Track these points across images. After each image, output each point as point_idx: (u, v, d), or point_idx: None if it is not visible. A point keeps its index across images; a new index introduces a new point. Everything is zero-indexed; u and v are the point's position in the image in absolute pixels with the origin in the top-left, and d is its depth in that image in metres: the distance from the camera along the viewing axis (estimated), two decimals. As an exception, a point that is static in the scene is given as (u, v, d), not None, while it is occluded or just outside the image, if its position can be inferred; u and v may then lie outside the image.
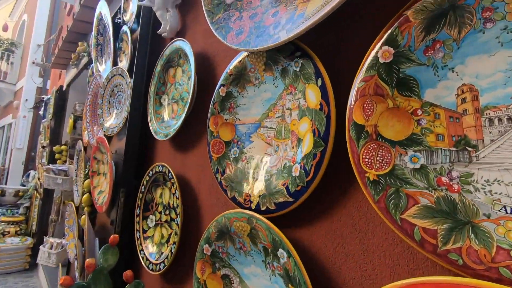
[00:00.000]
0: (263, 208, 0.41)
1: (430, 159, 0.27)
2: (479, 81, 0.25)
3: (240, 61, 0.47)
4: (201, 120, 0.62)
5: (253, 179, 0.44)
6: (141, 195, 0.74)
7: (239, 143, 0.49)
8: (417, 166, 0.27)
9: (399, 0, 0.30)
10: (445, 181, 0.25)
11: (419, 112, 0.28)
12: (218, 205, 0.54)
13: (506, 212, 0.22)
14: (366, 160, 0.29)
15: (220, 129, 0.51)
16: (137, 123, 0.81)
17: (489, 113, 0.24)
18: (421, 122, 0.28)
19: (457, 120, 0.26)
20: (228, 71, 0.49)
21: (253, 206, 0.42)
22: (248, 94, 0.48)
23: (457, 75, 0.26)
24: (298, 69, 0.38)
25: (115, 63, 0.96)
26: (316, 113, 0.35)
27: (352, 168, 0.33)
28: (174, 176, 0.61)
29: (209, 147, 0.52)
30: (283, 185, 0.39)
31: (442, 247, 0.23)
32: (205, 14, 0.50)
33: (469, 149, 0.25)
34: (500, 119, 0.24)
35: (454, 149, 0.26)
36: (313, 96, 0.35)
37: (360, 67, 0.31)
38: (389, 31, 0.28)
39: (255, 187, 0.43)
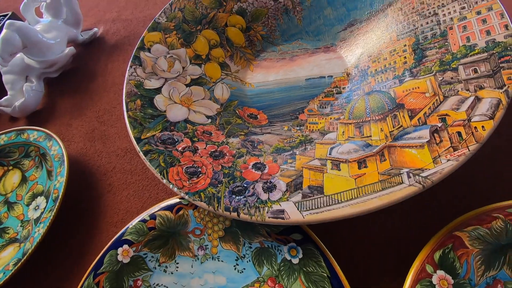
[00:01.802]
0: None
1: None
2: None
3: (178, 210, 0.29)
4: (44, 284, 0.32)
5: None
6: None
7: None
8: None
9: (439, 208, 0.27)
10: None
11: None
12: None
13: None
14: None
15: (98, 332, 0.26)
16: None
17: None
18: None
19: None
20: (147, 220, 0.29)
21: None
22: (178, 269, 0.28)
23: (527, 330, 0.21)
24: (296, 261, 0.25)
25: None
26: None
27: None
28: None
29: None
30: None
31: None
32: (127, 123, 0.32)
33: None
34: None
35: None
36: (328, 318, 0.22)
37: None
38: (440, 251, 0.22)
39: None
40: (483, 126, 0.23)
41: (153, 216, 0.29)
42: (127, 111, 0.33)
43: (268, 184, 0.26)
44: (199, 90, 0.38)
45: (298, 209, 0.24)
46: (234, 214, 0.24)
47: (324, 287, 0.23)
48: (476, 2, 0.30)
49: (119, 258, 0.28)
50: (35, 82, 0.49)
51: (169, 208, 0.29)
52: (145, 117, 0.33)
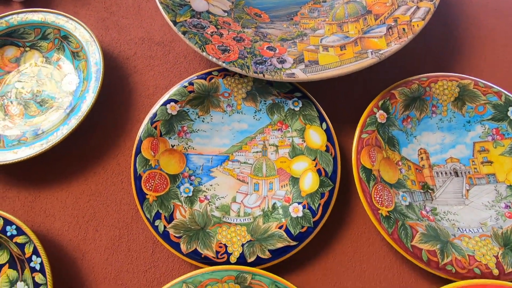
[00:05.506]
0: (250, 259, 0.33)
1: (412, 198, 0.37)
2: (428, 147, 0.39)
3: (210, 79, 0.39)
4: (88, 137, 0.41)
5: (226, 225, 0.36)
6: None
7: (192, 178, 0.38)
8: (407, 203, 0.36)
9: (384, 80, 0.42)
10: (424, 214, 0.36)
11: (400, 163, 0.38)
12: (134, 270, 0.36)
13: (461, 231, 0.35)
14: (377, 199, 0.34)
15: (162, 157, 0.37)
16: None
17: (436, 169, 0.38)
18: (402, 170, 0.38)
19: (420, 171, 0.38)
20: (187, 86, 0.39)
21: (233, 259, 0.33)
22: (212, 120, 0.40)
23: (417, 141, 0.39)
24: (297, 109, 0.38)
25: None
26: (322, 154, 0.36)
27: (355, 206, 0.37)
28: (29, 233, 0.34)
29: (139, 181, 0.36)
30: (280, 228, 0.35)
31: (442, 262, 0.32)
32: (161, 8, 0.39)
33: (430, 191, 0.37)
34: (441, 173, 0.38)
35: (422, 191, 0.37)
36: (317, 137, 0.37)
37: (361, 121, 0.37)
38: (382, 100, 0.38)
39: (233, 234, 0.35)
40: (418, 24, 0.37)
41: (191, 83, 0.39)
42: (158, -2, 0.39)
43: (280, 59, 0.38)
44: (213, -13, 0.44)
45: (303, 72, 0.36)
46: (261, 75, 0.36)
47: (315, 121, 0.38)
48: None
49: (169, 111, 0.38)
50: (26, -37, 0.48)
51: (203, 77, 0.39)
52: (174, 5, 0.40)
